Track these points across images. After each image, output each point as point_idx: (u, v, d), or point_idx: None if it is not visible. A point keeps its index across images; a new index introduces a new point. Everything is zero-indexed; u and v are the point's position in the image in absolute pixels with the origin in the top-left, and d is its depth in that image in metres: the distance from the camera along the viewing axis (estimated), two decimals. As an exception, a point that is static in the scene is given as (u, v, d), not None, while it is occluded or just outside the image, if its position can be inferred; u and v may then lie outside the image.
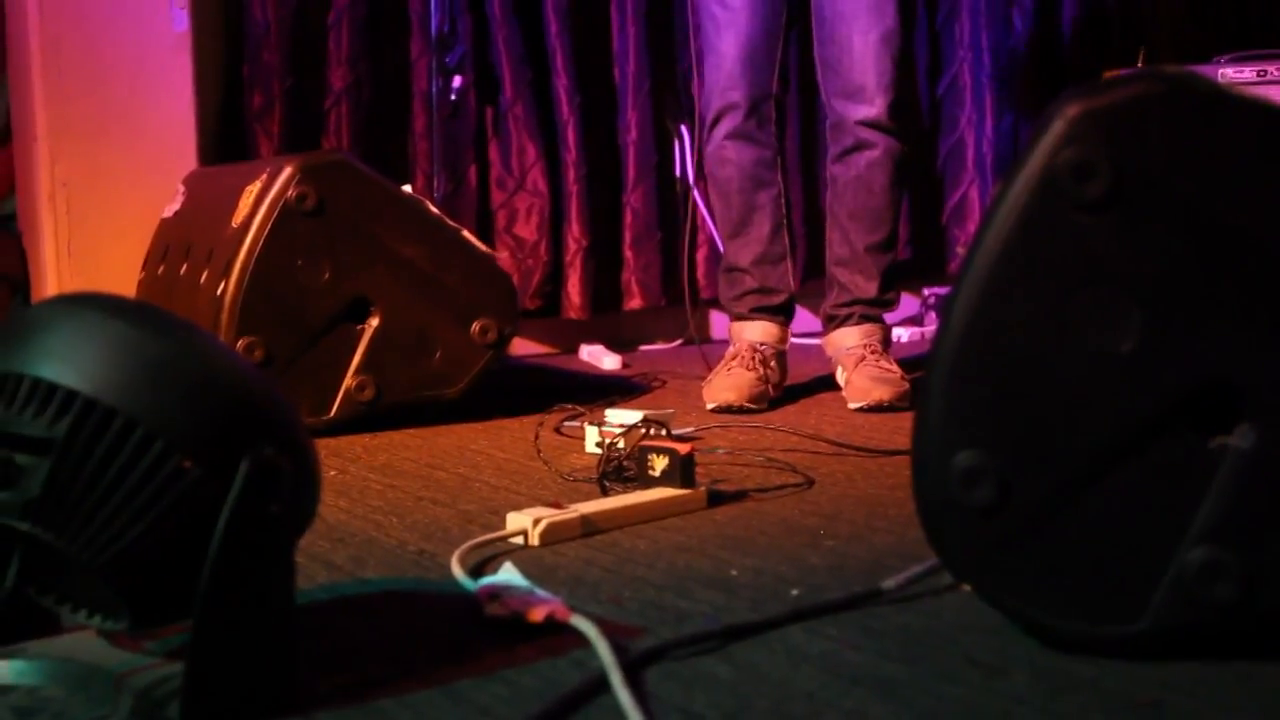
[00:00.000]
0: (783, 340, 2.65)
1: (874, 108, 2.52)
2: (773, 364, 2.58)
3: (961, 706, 0.97)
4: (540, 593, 1.20)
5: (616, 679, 0.98)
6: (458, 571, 1.32)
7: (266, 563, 0.95)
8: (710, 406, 2.47)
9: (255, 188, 2.27)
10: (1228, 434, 1.01)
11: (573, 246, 3.52)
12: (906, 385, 2.43)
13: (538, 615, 1.14)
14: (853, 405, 2.44)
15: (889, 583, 1.23)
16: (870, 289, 2.60)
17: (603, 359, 3.34)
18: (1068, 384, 1.03)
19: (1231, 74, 3.03)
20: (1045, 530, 1.04)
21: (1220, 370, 1.01)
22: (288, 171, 2.23)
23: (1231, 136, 1.00)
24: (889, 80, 2.52)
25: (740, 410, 2.42)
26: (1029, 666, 1.04)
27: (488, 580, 1.25)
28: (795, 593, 1.27)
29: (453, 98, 3.27)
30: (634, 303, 3.64)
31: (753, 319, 2.63)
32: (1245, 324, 1.00)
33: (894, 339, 3.66)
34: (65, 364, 0.93)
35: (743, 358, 2.54)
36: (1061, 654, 1.05)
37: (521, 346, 3.58)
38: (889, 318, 2.70)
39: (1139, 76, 1.03)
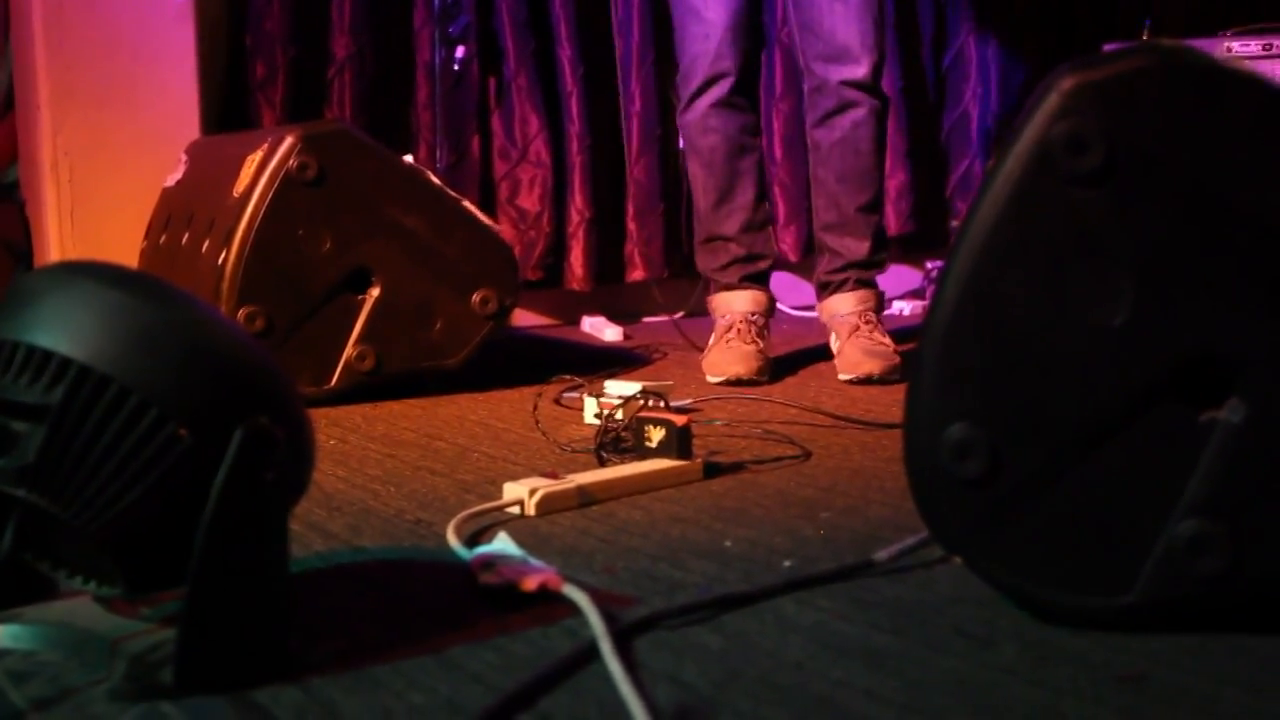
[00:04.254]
0: (771, 309, 2.66)
1: (860, 68, 2.52)
2: (766, 334, 2.59)
3: (950, 677, 0.97)
4: (534, 562, 1.21)
5: (607, 648, 0.99)
6: (453, 540, 1.33)
7: (260, 530, 0.96)
8: (716, 380, 2.46)
9: (257, 157, 2.27)
10: (1218, 408, 1.02)
11: (575, 218, 3.52)
12: (898, 359, 2.43)
13: (531, 584, 1.14)
14: (843, 377, 2.45)
15: (881, 555, 1.24)
16: (862, 250, 2.60)
17: (604, 330, 3.34)
18: (1060, 357, 1.03)
19: (1237, 48, 3.02)
20: (1036, 503, 1.04)
21: (1211, 344, 1.01)
22: (289, 141, 2.23)
23: (1226, 111, 1.00)
24: (872, 41, 2.52)
25: (749, 383, 2.42)
26: (1018, 638, 1.04)
27: (482, 549, 1.25)
28: (788, 564, 1.27)
29: (456, 68, 3.28)
30: (636, 274, 3.64)
31: (741, 288, 2.63)
32: (1236, 298, 1.00)
33: (897, 312, 3.67)
34: (61, 332, 0.94)
35: (739, 330, 2.54)
36: (1051, 626, 1.06)
37: (523, 317, 3.59)
38: (884, 283, 2.70)
39: (1134, 50, 1.03)
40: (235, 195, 2.27)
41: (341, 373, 2.28)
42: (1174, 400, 1.02)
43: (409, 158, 2.41)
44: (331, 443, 1.93)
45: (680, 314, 3.71)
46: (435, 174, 2.49)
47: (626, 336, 3.31)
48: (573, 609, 1.11)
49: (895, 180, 3.86)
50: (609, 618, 1.06)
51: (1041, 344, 1.04)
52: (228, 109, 3.18)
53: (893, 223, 3.86)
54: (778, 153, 3.77)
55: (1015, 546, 1.06)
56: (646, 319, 3.71)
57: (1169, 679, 0.95)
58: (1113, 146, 1.01)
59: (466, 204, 2.42)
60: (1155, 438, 1.02)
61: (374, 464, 1.78)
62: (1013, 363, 1.04)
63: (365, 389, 2.30)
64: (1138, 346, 1.02)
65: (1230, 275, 1.00)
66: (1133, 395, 1.02)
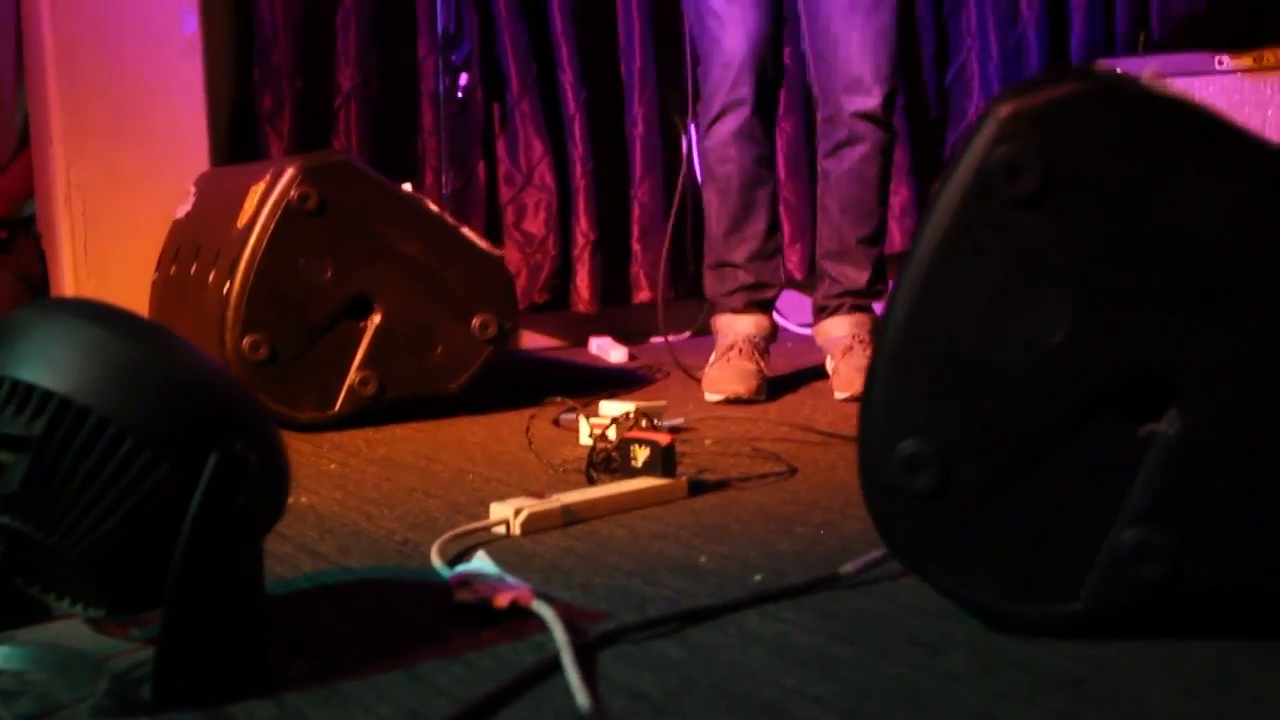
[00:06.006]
0: (774, 334, 2.70)
1: (872, 98, 2.55)
2: (767, 355, 2.63)
3: (898, 684, 1.01)
4: (510, 580, 1.25)
5: (568, 660, 1.03)
6: (435, 560, 1.37)
7: (234, 552, 1.00)
8: (716, 399, 2.50)
9: (259, 188, 2.33)
10: (1156, 421, 1.05)
11: (580, 240, 3.57)
12: None
13: (503, 601, 1.19)
14: (838, 395, 2.49)
15: (847, 567, 1.27)
16: (861, 279, 2.64)
17: (610, 352, 3.38)
18: (1004, 373, 1.07)
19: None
20: (984, 514, 1.08)
21: (1148, 359, 1.04)
22: (290, 172, 2.29)
23: (1156, 134, 1.04)
24: (886, 72, 2.55)
25: (748, 401, 2.46)
26: (968, 647, 1.08)
27: (460, 568, 1.30)
28: (758, 578, 1.31)
29: (460, 95, 3.33)
30: (642, 295, 3.68)
31: (746, 313, 2.67)
32: (1171, 315, 1.04)
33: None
34: (42, 366, 0.99)
35: (740, 349, 2.58)
36: (1002, 635, 1.09)
37: (531, 340, 3.64)
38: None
39: (1069, 76, 1.07)
40: (239, 226, 2.33)
41: (345, 398, 2.33)
42: (1115, 413, 1.06)
43: (407, 186, 2.46)
44: (332, 466, 1.98)
45: (687, 333, 3.76)
46: (441, 200, 2.54)
47: (632, 357, 3.36)
48: (543, 624, 1.15)
49: (899, 197, 3.89)
50: (576, 631, 1.10)
51: (987, 362, 1.07)
52: (236, 141, 3.25)
53: (897, 239, 3.88)
54: (782, 173, 3.81)
55: (966, 558, 1.09)
56: (653, 339, 3.74)
57: (1105, 683, 0.99)
58: (1049, 170, 1.04)
59: (465, 230, 2.46)
60: (1098, 450, 1.06)
61: (371, 486, 1.82)
62: (960, 380, 1.08)
63: (368, 413, 2.34)
64: (1078, 362, 1.05)
65: (1165, 292, 1.04)
66: (1075, 409, 1.06)
